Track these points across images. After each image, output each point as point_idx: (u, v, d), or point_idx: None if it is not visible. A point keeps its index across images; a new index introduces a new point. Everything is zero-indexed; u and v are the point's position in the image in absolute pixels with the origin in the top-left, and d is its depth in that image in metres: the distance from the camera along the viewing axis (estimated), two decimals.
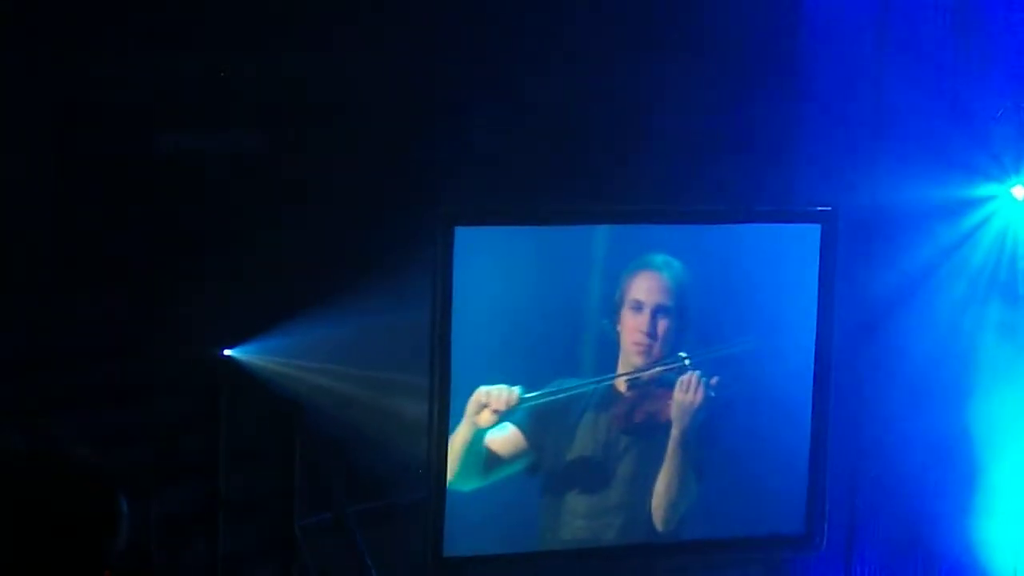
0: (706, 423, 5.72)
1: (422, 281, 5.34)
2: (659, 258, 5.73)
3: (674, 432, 5.71)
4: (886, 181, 5.95)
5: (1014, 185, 5.95)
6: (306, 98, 5.55)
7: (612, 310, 5.69)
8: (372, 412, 5.58)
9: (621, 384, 5.73)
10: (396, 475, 5.66)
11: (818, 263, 5.80)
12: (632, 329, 5.71)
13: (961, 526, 6.06)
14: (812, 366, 5.82)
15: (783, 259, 5.82)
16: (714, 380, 5.73)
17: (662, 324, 5.72)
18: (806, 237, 5.81)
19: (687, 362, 5.74)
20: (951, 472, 6.06)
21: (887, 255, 6.05)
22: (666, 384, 5.74)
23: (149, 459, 5.26)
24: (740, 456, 5.79)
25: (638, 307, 5.70)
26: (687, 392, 5.73)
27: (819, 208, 5.81)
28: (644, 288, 5.72)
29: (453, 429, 5.44)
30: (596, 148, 5.82)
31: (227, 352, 5.48)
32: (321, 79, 5.55)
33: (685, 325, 5.75)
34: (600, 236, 5.65)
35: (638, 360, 5.72)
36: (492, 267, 5.48)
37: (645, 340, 5.72)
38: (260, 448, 5.62)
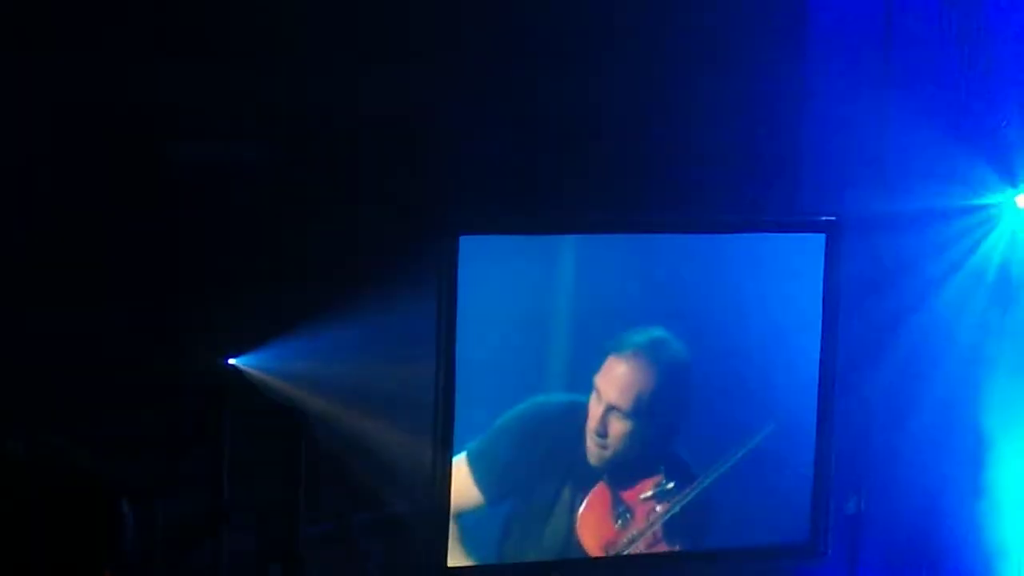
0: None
1: (426, 290, 5.33)
2: (642, 338, 5.47)
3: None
4: (890, 189, 5.95)
5: (1018, 193, 5.95)
6: (309, 106, 5.54)
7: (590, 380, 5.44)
8: (376, 422, 5.56)
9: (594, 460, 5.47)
10: (399, 485, 5.65)
11: (822, 273, 5.79)
12: (591, 416, 5.46)
13: (967, 535, 6.05)
14: (816, 373, 5.80)
15: (787, 268, 5.81)
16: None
17: (616, 426, 5.45)
18: (810, 247, 5.80)
19: (670, 486, 5.51)
20: (957, 480, 6.05)
21: (890, 264, 6.05)
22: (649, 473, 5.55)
23: (152, 468, 5.24)
24: (743, 466, 5.77)
25: (597, 396, 5.44)
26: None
27: (824, 218, 5.81)
28: (608, 376, 5.42)
29: (457, 440, 5.42)
30: (601, 157, 5.81)
31: (231, 361, 5.47)
32: (324, 87, 5.55)
33: (650, 423, 5.45)
34: (602, 246, 5.62)
35: (593, 459, 5.46)
36: (497, 276, 5.46)
37: (595, 440, 5.43)
38: (263, 457, 5.61)
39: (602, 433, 5.42)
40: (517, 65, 5.69)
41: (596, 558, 5.64)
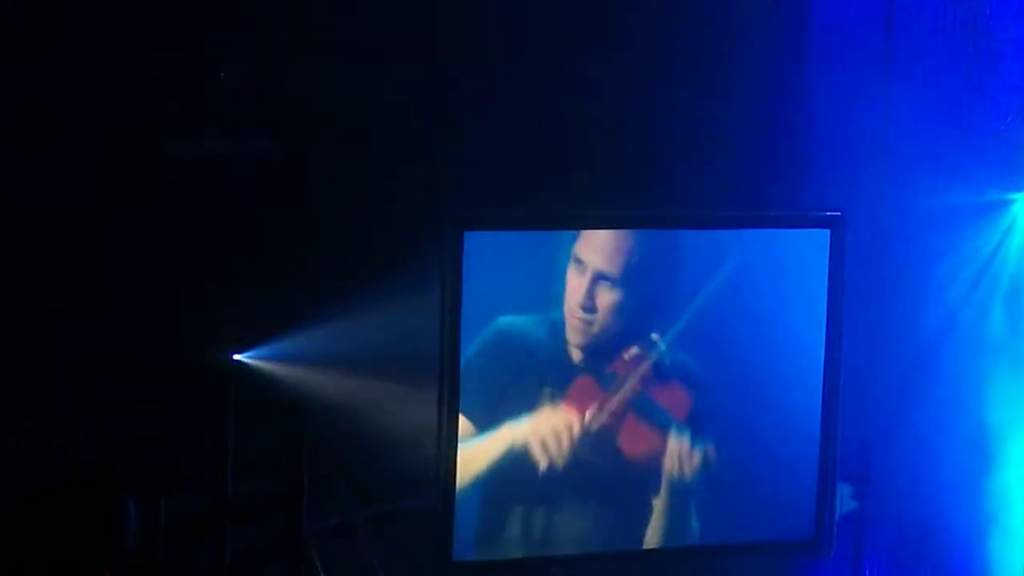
0: (704, 456, 5.60)
1: (431, 285, 5.32)
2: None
3: (666, 480, 5.47)
4: (895, 185, 5.95)
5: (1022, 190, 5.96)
6: (312, 102, 5.55)
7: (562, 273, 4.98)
8: (380, 416, 5.57)
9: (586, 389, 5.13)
10: (404, 480, 5.65)
11: (827, 268, 5.78)
12: (573, 292, 5.03)
13: (971, 532, 6.04)
14: (820, 370, 5.80)
15: (791, 264, 5.80)
16: (712, 450, 5.43)
17: (604, 297, 5.06)
18: (815, 242, 5.79)
19: (656, 339, 5.12)
20: (962, 477, 6.04)
21: (894, 259, 6.04)
22: (643, 409, 5.31)
23: (156, 464, 5.25)
24: (747, 462, 5.77)
25: (579, 266, 5.05)
26: (678, 462, 5.26)
27: (828, 213, 5.80)
28: (591, 244, 4.98)
29: (461, 434, 5.42)
30: (603, 153, 5.81)
31: (236, 356, 5.48)
32: (327, 83, 5.55)
33: (640, 294, 5.01)
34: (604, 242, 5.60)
35: (577, 337, 5.13)
36: (501, 271, 5.45)
37: (581, 315, 5.06)
38: (268, 453, 5.62)
39: (589, 307, 5.03)
40: (520, 61, 5.69)
41: (595, 554, 5.65)
